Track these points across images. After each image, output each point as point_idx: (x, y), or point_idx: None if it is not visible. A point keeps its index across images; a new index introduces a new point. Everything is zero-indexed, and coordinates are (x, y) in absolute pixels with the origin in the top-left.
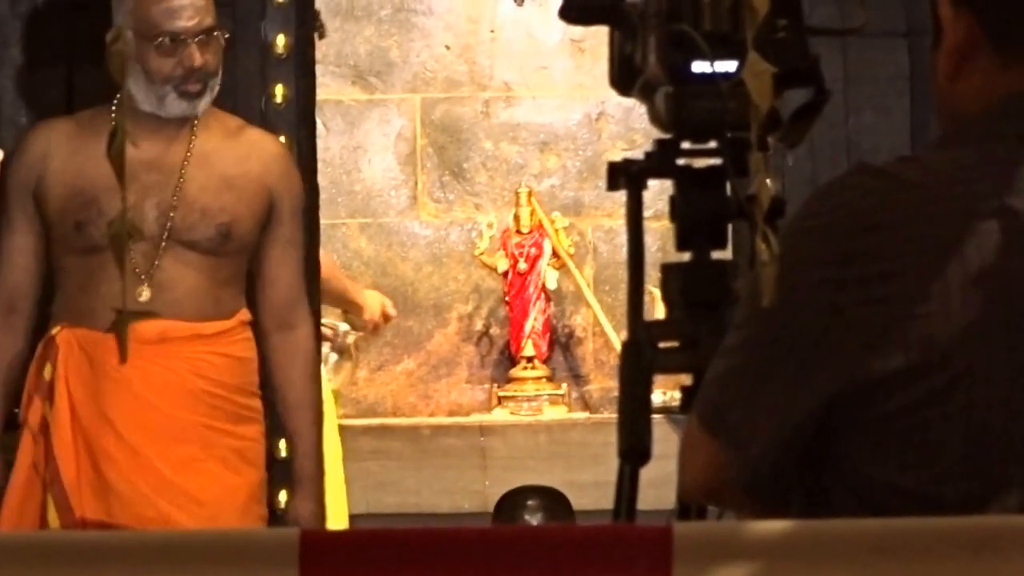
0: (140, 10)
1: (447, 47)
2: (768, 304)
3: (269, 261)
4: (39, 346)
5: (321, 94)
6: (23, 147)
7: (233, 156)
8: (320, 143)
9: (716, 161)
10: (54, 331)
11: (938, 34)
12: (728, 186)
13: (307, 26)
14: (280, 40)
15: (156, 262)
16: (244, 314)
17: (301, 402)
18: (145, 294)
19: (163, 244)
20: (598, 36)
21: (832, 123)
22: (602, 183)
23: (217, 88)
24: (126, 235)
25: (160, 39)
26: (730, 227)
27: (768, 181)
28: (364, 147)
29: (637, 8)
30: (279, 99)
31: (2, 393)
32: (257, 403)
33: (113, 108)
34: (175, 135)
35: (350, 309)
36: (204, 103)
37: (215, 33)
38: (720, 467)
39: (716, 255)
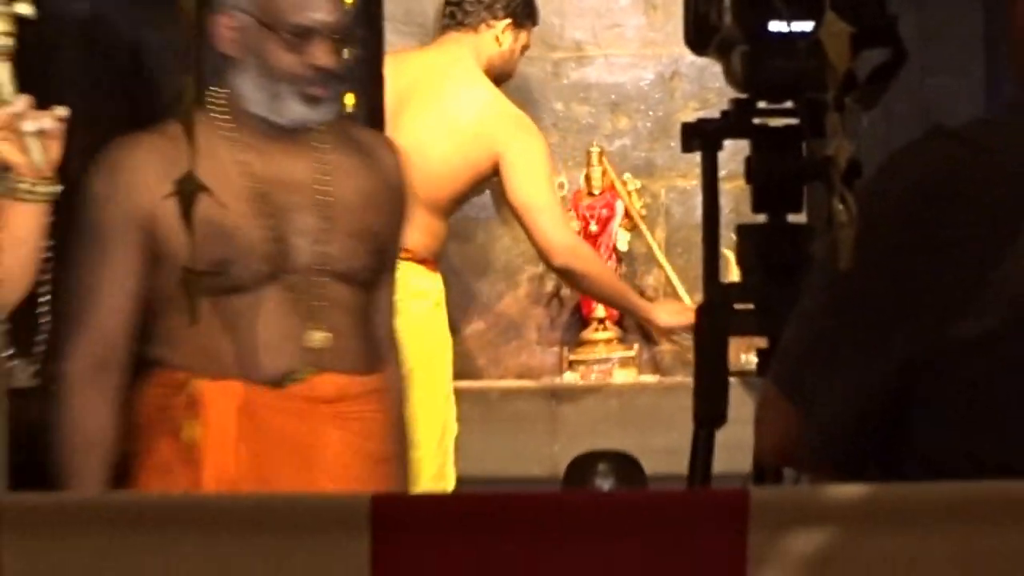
0: None
1: None
2: (845, 267)
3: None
4: (165, 401)
5: (389, 53)
6: (116, 171)
7: (365, 169)
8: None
9: (793, 121)
10: (191, 385)
11: None
12: (805, 147)
13: None
14: None
15: (315, 301)
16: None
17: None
18: (317, 339)
19: (317, 279)
20: None
21: (907, 85)
22: (675, 144)
23: (341, 98)
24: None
25: (288, 31)
26: (806, 189)
27: (846, 142)
28: None
29: None
30: (346, 55)
31: (104, 477)
32: None
33: (211, 110)
34: (292, 147)
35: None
36: (325, 112)
37: (349, 33)
38: (796, 431)
39: (792, 218)
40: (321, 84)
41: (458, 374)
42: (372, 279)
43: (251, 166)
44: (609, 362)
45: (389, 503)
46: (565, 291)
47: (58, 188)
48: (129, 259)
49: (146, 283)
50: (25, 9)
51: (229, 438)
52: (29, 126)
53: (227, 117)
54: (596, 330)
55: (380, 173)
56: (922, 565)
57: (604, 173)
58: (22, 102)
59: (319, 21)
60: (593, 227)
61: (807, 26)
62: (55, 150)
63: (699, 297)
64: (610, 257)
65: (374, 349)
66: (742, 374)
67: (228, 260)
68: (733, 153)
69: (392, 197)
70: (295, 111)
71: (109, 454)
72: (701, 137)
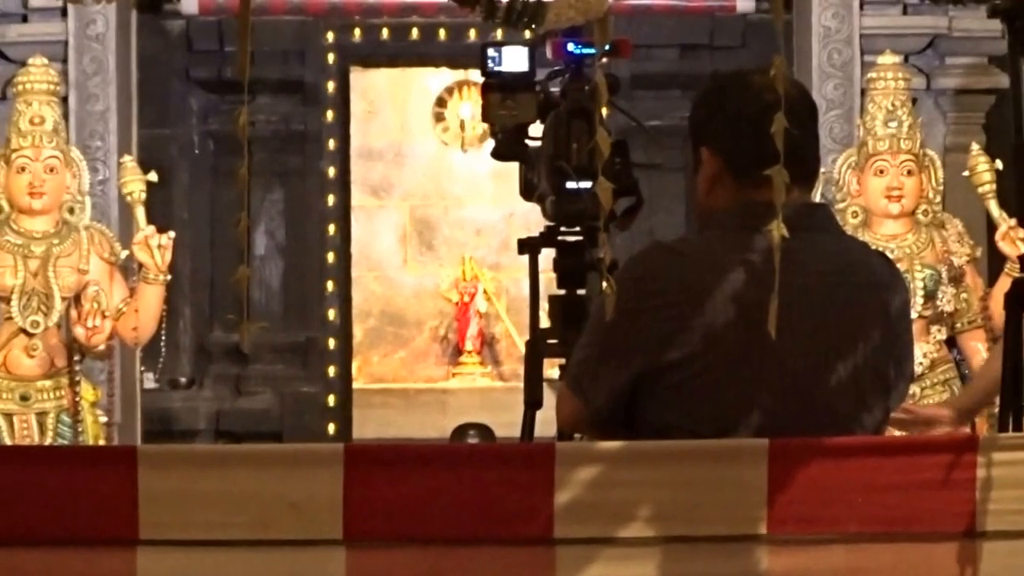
0: None
1: (423, 176)
2: (608, 319)
3: None
4: None
5: (354, 202)
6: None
7: None
8: (353, 228)
9: (580, 239)
10: None
11: (697, 165)
12: (587, 253)
13: (346, 162)
14: (331, 170)
15: None
16: None
17: None
18: None
19: None
20: (512, 167)
21: (642, 218)
22: (514, 251)
23: None
24: None
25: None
26: (587, 276)
27: (609, 250)
28: (377, 232)
29: (535, 151)
30: (331, 205)
31: None
32: None
33: None
34: None
35: None
36: None
37: None
38: (579, 413)
39: (579, 292)
40: None
41: (391, 379)
42: None
43: None
44: (474, 374)
45: (355, 448)
46: (450, 335)
47: (169, 277)
48: None
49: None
50: (153, 177)
51: None
52: (155, 242)
53: None
54: (467, 356)
55: None
56: (649, 484)
57: (472, 269)
58: (151, 228)
59: None
60: (466, 298)
61: (587, 184)
62: (168, 256)
63: (526, 337)
64: (476, 316)
65: None
66: (551, 380)
67: None
68: (548, 256)
69: None
70: None
71: None
72: (529, 247)
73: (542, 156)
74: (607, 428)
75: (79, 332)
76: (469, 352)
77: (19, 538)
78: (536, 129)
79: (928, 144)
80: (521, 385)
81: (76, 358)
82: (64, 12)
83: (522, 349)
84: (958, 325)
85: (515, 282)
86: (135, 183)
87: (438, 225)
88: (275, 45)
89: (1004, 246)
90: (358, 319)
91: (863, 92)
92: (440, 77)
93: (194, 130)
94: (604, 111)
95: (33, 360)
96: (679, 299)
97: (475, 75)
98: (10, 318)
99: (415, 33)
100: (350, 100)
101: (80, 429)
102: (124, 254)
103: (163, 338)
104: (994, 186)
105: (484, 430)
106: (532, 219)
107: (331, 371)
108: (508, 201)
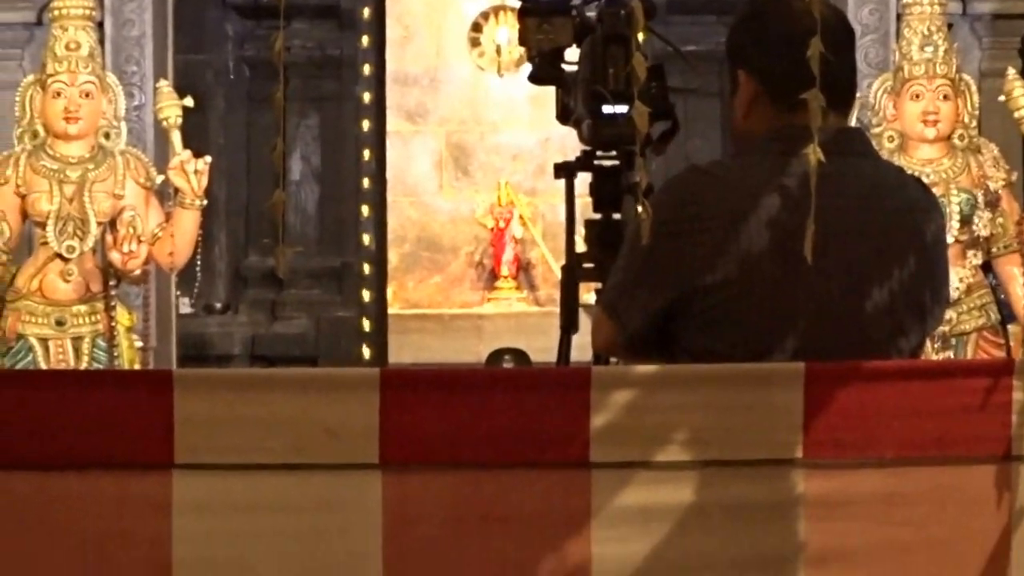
0: None
1: (459, 101)
2: (644, 243)
3: None
4: None
5: (390, 127)
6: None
7: None
8: (388, 154)
9: (616, 163)
10: None
11: (735, 88)
12: (623, 177)
13: (382, 88)
14: (367, 96)
15: None
16: None
17: None
18: None
19: None
20: (548, 92)
21: (678, 142)
22: (550, 176)
23: None
24: None
25: None
26: (623, 200)
27: (645, 174)
28: (413, 157)
29: (572, 75)
30: (366, 130)
31: None
32: None
33: None
34: None
35: None
36: None
37: None
38: (614, 337)
39: (615, 216)
40: None
41: (427, 304)
42: None
43: None
44: (510, 299)
45: (391, 373)
46: (486, 260)
47: (204, 202)
48: None
49: None
50: (189, 102)
51: None
52: (190, 167)
53: None
54: (503, 282)
55: None
56: (685, 408)
57: (508, 194)
58: (187, 153)
59: None
60: (501, 224)
61: (624, 108)
62: (204, 181)
63: (562, 262)
64: (511, 241)
65: None
66: (587, 305)
67: None
68: (584, 180)
69: None
70: None
71: None
72: (565, 171)
73: (579, 80)
74: (642, 352)
75: (115, 257)
76: (505, 277)
77: (55, 462)
78: (572, 53)
79: (964, 69)
80: (557, 310)
81: (112, 283)
82: None
83: (558, 274)
84: (994, 249)
85: (551, 207)
86: (171, 108)
87: (474, 150)
88: None
89: None
90: (393, 244)
91: (899, 17)
92: (476, 2)
93: (230, 55)
94: (640, 36)
95: (69, 285)
96: (715, 223)
97: None
98: (45, 243)
99: None
100: (386, 25)
101: (116, 354)
102: (160, 179)
103: (199, 263)
104: None
105: (520, 355)
106: (568, 143)
107: (366, 296)
108: (544, 126)
